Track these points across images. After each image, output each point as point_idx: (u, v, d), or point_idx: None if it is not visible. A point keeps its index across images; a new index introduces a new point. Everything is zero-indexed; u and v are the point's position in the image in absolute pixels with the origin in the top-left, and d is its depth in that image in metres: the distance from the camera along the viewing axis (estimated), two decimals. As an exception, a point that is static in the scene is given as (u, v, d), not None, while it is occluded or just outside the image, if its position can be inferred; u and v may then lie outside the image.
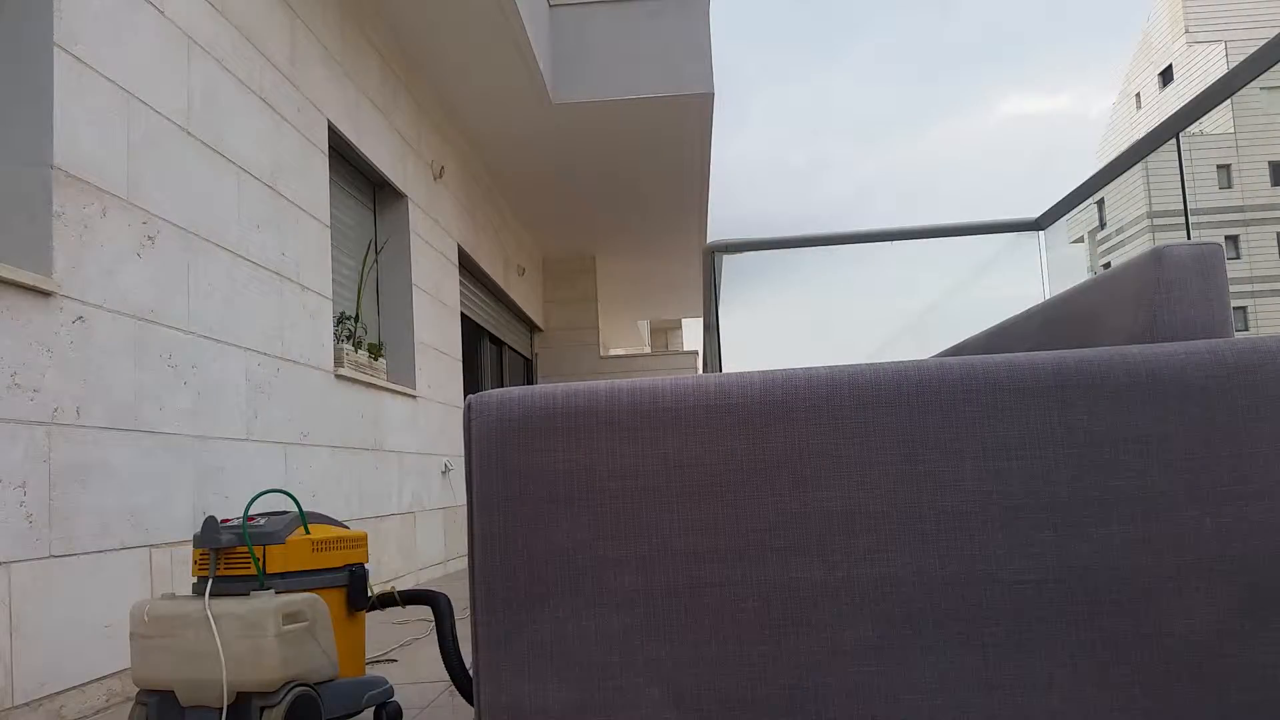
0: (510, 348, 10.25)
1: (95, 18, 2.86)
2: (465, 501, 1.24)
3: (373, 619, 4.21)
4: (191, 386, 3.26)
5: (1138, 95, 44.65)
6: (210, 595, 1.84)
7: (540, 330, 11.64)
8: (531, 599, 1.23)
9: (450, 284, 6.97)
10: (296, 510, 1.99)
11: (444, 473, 6.10)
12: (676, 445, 1.24)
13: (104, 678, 2.71)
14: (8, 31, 2.66)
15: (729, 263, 4.44)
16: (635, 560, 1.23)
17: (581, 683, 1.22)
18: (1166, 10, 41.91)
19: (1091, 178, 3.52)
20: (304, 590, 1.91)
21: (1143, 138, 3.10)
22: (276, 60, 4.14)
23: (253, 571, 1.87)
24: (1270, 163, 37.15)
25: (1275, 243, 36.75)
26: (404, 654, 3.28)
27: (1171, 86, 41.21)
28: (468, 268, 7.96)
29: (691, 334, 23.41)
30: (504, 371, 10.03)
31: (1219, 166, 36.93)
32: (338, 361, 4.58)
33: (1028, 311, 1.68)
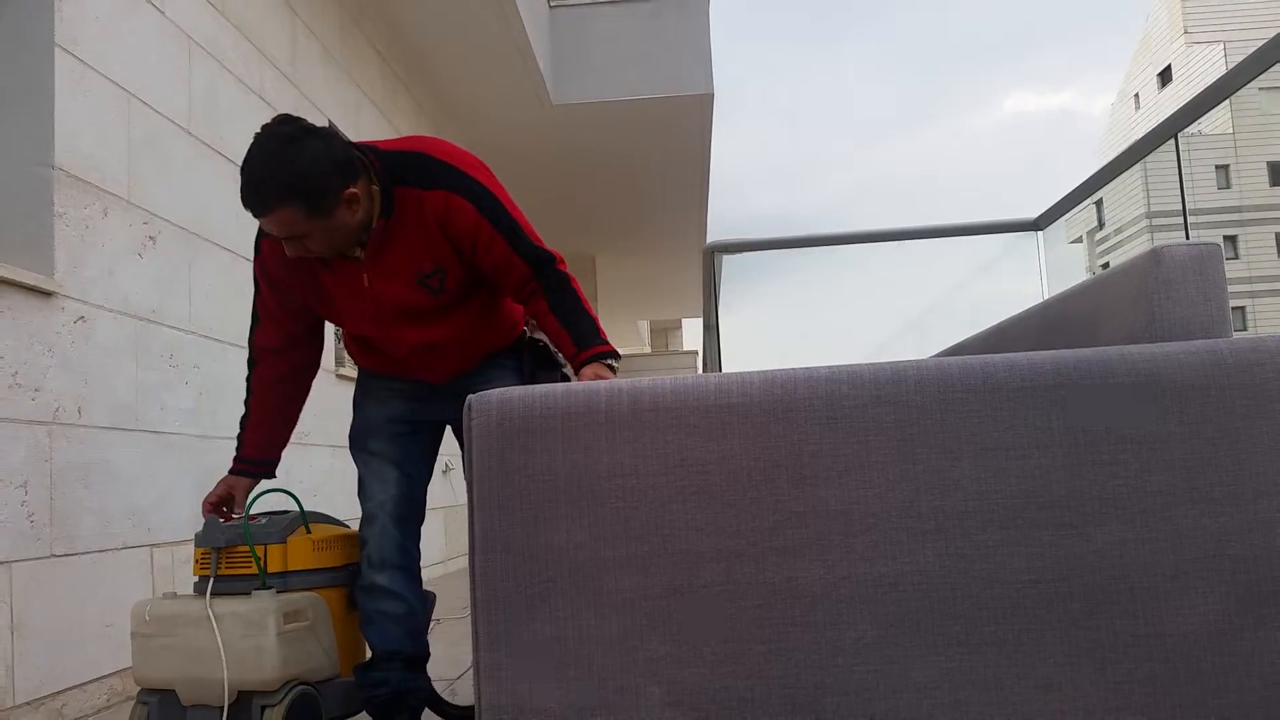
0: (510, 348, 10.24)
1: (96, 18, 2.86)
2: (465, 501, 1.26)
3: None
4: (193, 386, 3.26)
5: (1136, 95, 44.65)
6: (211, 594, 1.84)
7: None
8: (531, 599, 1.24)
9: (450, 284, 6.96)
10: (298, 509, 2.00)
11: (444, 472, 6.10)
12: (676, 445, 1.24)
13: (105, 677, 2.71)
14: (8, 32, 2.67)
15: (729, 263, 4.45)
16: (635, 560, 1.23)
17: (581, 683, 1.22)
18: (1165, 10, 41.92)
19: (1090, 178, 3.52)
20: (305, 589, 1.91)
21: (1141, 138, 3.10)
22: (277, 60, 4.14)
23: (254, 571, 1.87)
24: (1269, 163, 37.14)
25: (1274, 243, 36.74)
26: (404, 654, 3.28)
27: (1170, 87, 41.21)
28: (468, 268, 7.96)
29: (691, 334, 23.39)
30: (504, 371, 10.02)
31: (1218, 167, 36.92)
32: (339, 361, 4.58)
33: (1027, 311, 1.69)
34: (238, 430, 2.04)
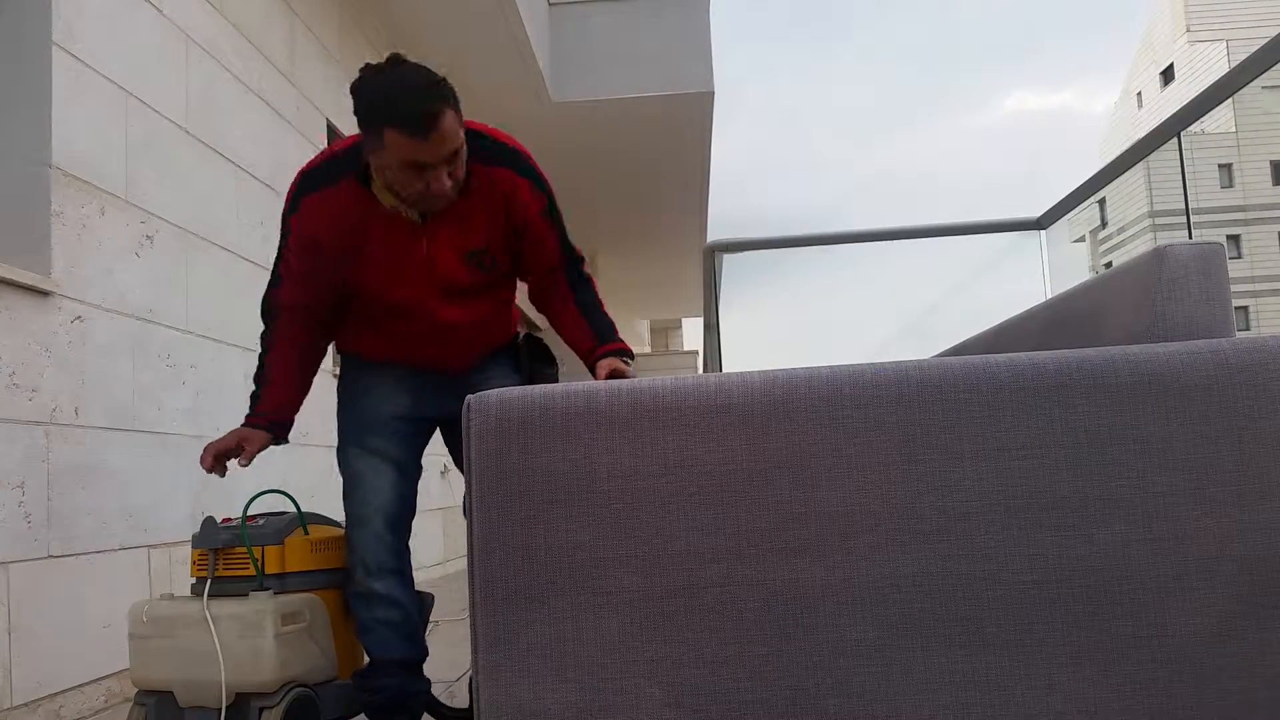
0: (510, 347, 10.22)
1: (94, 17, 2.86)
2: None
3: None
4: (190, 386, 3.25)
5: (1139, 94, 44.62)
6: (209, 596, 1.83)
7: (540, 330, 11.64)
8: (531, 599, 1.23)
9: (450, 284, 6.96)
10: (295, 511, 1.99)
11: (443, 473, 6.09)
12: (676, 445, 1.23)
13: (103, 678, 2.71)
14: (7, 31, 2.66)
15: (729, 263, 4.44)
16: (635, 560, 1.22)
17: (581, 683, 1.21)
18: (1168, 9, 41.89)
19: (1093, 177, 3.51)
20: (302, 591, 1.90)
21: (1144, 137, 3.09)
22: (276, 60, 4.13)
23: (251, 572, 1.86)
24: (1272, 162, 37.11)
25: (1277, 242, 36.69)
26: (404, 654, 3.27)
27: (1173, 85, 41.19)
28: (468, 267, 7.95)
29: (691, 334, 23.39)
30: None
31: (1220, 166, 36.89)
32: (336, 362, 4.57)
33: (1029, 311, 1.68)
34: (252, 388, 1.97)
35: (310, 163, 1.88)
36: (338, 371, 2.11)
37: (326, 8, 4.77)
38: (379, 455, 1.98)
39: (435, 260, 1.85)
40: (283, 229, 1.90)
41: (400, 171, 1.69)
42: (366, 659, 2.01)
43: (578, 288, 2.00)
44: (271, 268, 1.95)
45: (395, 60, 1.68)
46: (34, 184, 2.62)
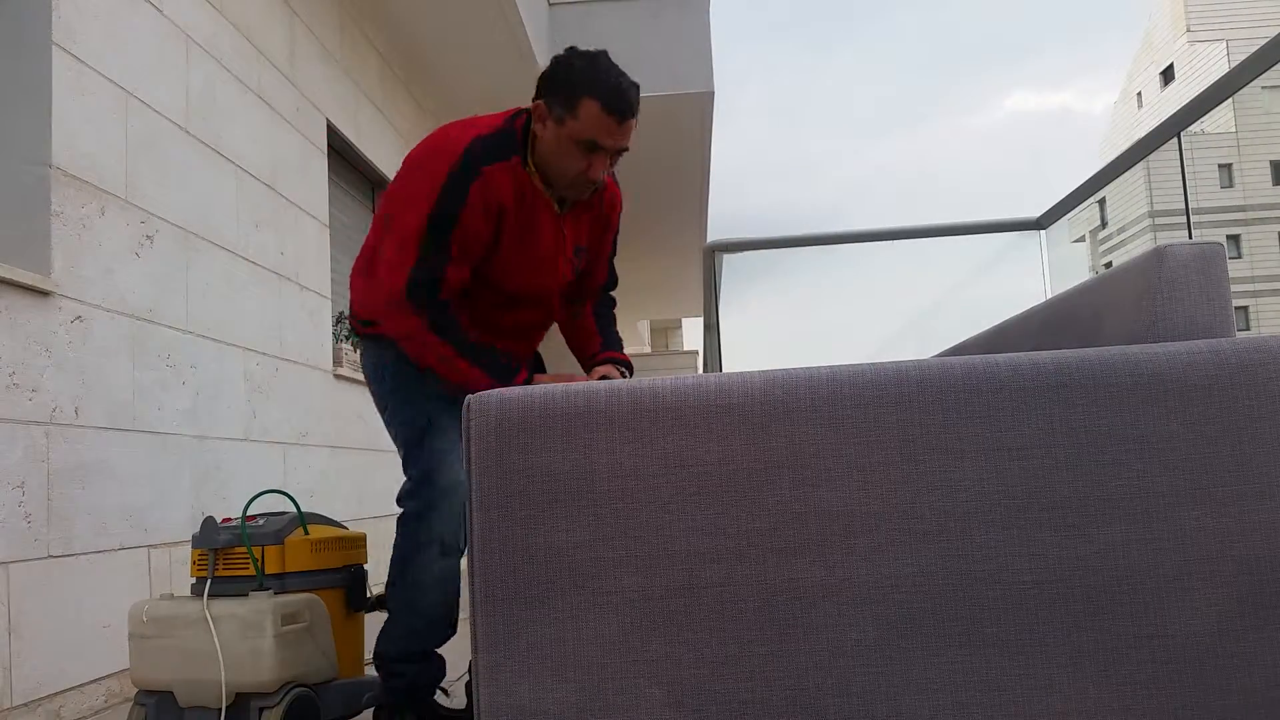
0: (510, 347, 10.23)
1: (94, 17, 2.86)
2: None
3: (372, 619, 4.20)
4: (190, 386, 3.25)
5: (1139, 94, 44.63)
6: (209, 596, 1.83)
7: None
8: (531, 599, 1.23)
9: (450, 283, 6.95)
10: (295, 511, 1.99)
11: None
12: (676, 445, 1.23)
13: (103, 678, 2.70)
14: (7, 31, 2.66)
15: (729, 263, 4.44)
16: (635, 560, 1.22)
17: (581, 683, 1.21)
18: (1168, 9, 41.89)
19: (1093, 177, 3.51)
20: (303, 591, 1.90)
21: (1144, 137, 3.09)
22: (276, 59, 4.13)
23: (251, 572, 1.86)
24: (1272, 162, 37.12)
25: (1277, 242, 36.71)
26: (404, 654, 3.27)
27: (1173, 85, 41.20)
28: (468, 267, 7.94)
29: (691, 334, 23.39)
30: (504, 371, 10.00)
31: (1220, 166, 36.90)
32: (336, 361, 4.57)
33: (1029, 311, 1.68)
34: (491, 368, 1.80)
35: (475, 131, 1.82)
36: (368, 358, 2.03)
37: (326, 8, 4.77)
38: (457, 440, 1.91)
39: (566, 251, 1.95)
40: (449, 196, 1.75)
41: (571, 146, 1.77)
42: (384, 627, 1.98)
43: (604, 305, 2.19)
44: (424, 244, 1.76)
45: (604, 53, 1.79)
46: (34, 184, 2.62)
